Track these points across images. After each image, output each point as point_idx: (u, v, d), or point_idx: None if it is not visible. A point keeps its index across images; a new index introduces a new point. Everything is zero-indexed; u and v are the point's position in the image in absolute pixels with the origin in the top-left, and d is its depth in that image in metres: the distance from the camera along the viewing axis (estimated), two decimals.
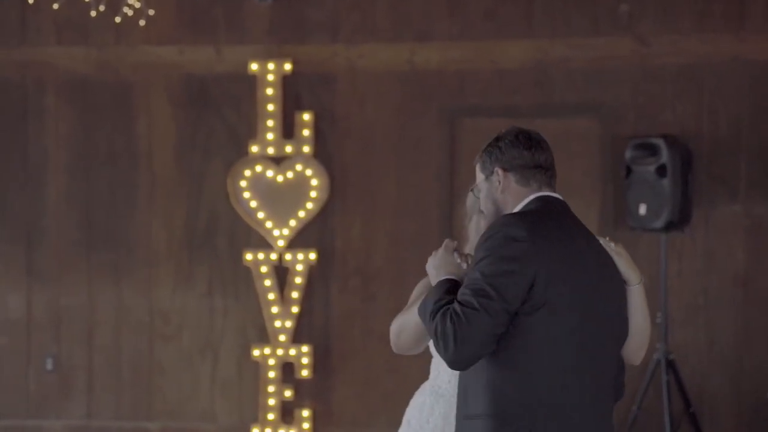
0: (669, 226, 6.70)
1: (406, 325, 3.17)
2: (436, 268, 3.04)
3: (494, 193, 3.05)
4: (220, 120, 7.40)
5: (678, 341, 6.91)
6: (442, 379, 3.30)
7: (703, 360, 7.01)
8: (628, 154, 6.79)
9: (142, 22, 6.91)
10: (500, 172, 3.03)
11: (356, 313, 7.33)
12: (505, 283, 2.82)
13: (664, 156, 6.69)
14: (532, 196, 3.02)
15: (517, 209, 3.01)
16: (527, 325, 2.83)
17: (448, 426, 3.23)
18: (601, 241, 3.09)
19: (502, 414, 2.84)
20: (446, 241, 3.12)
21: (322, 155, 7.29)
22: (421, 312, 2.96)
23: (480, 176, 3.11)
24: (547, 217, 2.96)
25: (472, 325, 2.79)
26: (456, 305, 2.84)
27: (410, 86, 7.23)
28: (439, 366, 3.30)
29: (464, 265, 3.03)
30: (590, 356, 2.91)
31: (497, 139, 3.08)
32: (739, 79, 6.94)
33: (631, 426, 6.61)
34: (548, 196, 3.03)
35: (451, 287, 2.94)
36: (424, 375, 3.60)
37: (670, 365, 6.68)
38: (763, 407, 6.89)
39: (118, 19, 6.66)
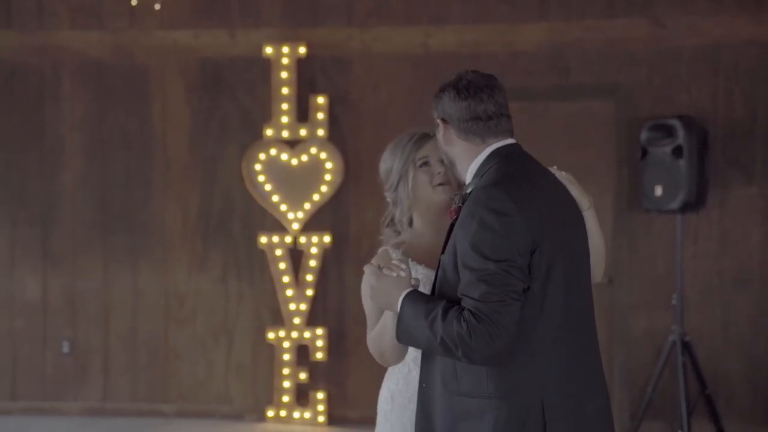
0: (685, 208, 6.68)
1: (382, 346, 2.99)
2: (383, 295, 2.83)
3: (443, 145, 2.90)
4: (234, 104, 7.41)
5: (693, 323, 6.89)
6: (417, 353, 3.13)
7: (718, 342, 6.99)
8: (644, 135, 6.77)
9: (157, 6, 6.94)
10: (440, 123, 2.89)
11: None
12: (513, 263, 2.67)
13: (681, 137, 6.66)
14: (484, 153, 2.84)
15: (474, 162, 2.84)
16: (528, 297, 2.72)
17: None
18: (553, 171, 2.95)
19: (508, 396, 2.75)
20: (368, 268, 2.90)
21: (336, 138, 7.30)
22: (406, 333, 2.77)
23: (433, 126, 2.99)
24: (517, 175, 2.78)
25: (502, 315, 2.64)
26: (474, 303, 2.66)
27: (424, 69, 7.23)
28: None
29: (402, 272, 2.82)
30: (580, 301, 2.83)
31: (440, 89, 2.91)
32: (755, 61, 6.91)
33: (646, 408, 6.60)
34: (501, 148, 2.83)
35: (423, 298, 2.77)
36: None
37: (686, 347, 6.66)
38: None
39: (134, 2, 6.68)
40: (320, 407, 7.26)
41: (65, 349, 7.55)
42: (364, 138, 7.31)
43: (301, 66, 7.28)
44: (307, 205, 7.31)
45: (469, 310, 2.66)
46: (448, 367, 2.82)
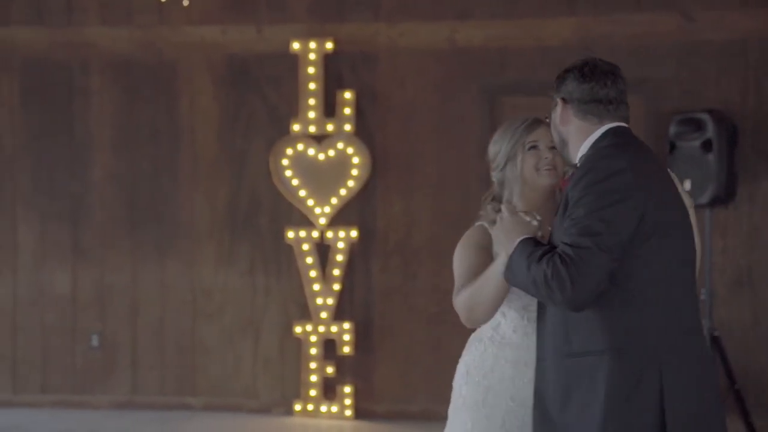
0: (714, 202, 6.65)
1: (479, 297, 3.14)
2: (507, 232, 2.98)
3: (559, 125, 3.04)
4: (261, 99, 7.44)
5: (722, 318, 6.86)
6: (505, 329, 3.23)
7: (747, 337, 6.96)
8: (672, 129, 6.74)
9: (185, 2, 6.97)
10: (560, 103, 3.03)
11: (397, 290, 7.35)
12: (614, 215, 2.78)
13: (710, 131, 6.63)
14: (599, 131, 2.97)
15: (587, 142, 2.98)
16: (641, 255, 2.80)
17: (518, 374, 3.20)
18: None
19: (623, 349, 2.80)
20: (506, 206, 3.09)
21: (363, 133, 7.31)
22: (511, 271, 2.92)
23: (551, 108, 3.11)
24: (631, 146, 2.93)
25: (587, 263, 2.74)
26: (564, 248, 2.78)
27: (451, 64, 7.23)
28: (500, 317, 3.25)
29: (534, 222, 3.02)
30: (692, 277, 2.94)
31: (564, 71, 3.07)
32: None
33: None
34: (617, 127, 2.97)
35: (535, 243, 2.91)
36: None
37: (715, 342, 6.63)
38: None
39: None
40: (347, 401, 7.28)
41: (94, 342, 7.61)
42: (391, 133, 7.33)
43: (328, 61, 7.31)
44: (333, 200, 7.34)
45: (558, 253, 2.80)
46: (559, 331, 2.90)
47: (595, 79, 2.99)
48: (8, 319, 7.65)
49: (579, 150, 2.99)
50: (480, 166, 7.17)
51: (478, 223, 3.29)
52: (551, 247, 2.87)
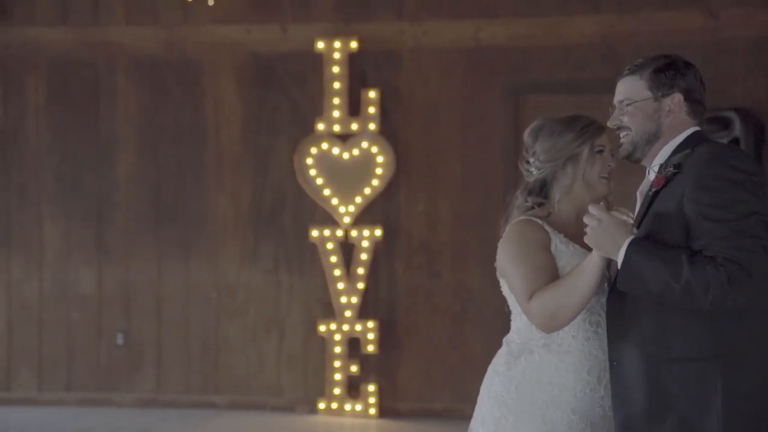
0: None
1: (566, 301, 2.94)
2: (609, 233, 2.80)
3: (662, 117, 2.91)
4: (285, 98, 7.47)
5: None
6: (564, 335, 3.06)
7: None
8: None
9: (210, 2, 7.00)
10: (679, 98, 2.92)
11: (421, 288, 7.35)
12: (762, 215, 2.71)
13: (737, 129, 6.61)
14: (690, 130, 2.93)
15: (677, 138, 2.91)
16: None
17: (579, 383, 3.05)
18: None
19: (733, 355, 2.71)
20: (597, 206, 2.89)
21: (387, 132, 7.32)
22: (634, 275, 2.74)
23: (642, 93, 2.93)
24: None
25: (755, 264, 2.65)
26: (724, 251, 2.66)
27: (475, 63, 7.23)
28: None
29: (630, 220, 2.85)
30: None
31: (673, 62, 2.95)
32: None
33: None
34: (702, 132, 2.95)
35: (653, 242, 2.76)
36: (488, 350, 3.47)
37: None
38: None
39: None
40: (371, 399, 7.29)
41: (119, 341, 7.65)
42: (415, 132, 7.33)
43: (352, 60, 7.32)
44: (358, 199, 7.35)
45: (724, 257, 2.66)
46: (652, 334, 2.78)
47: (702, 80, 2.99)
48: (34, 317, 7.71)
49: (669, 144, 2.92)
50: (504, 164, 7.22)
51: (524, 218, 3.14)
52: (684, 249, 2.73)
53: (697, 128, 2.93)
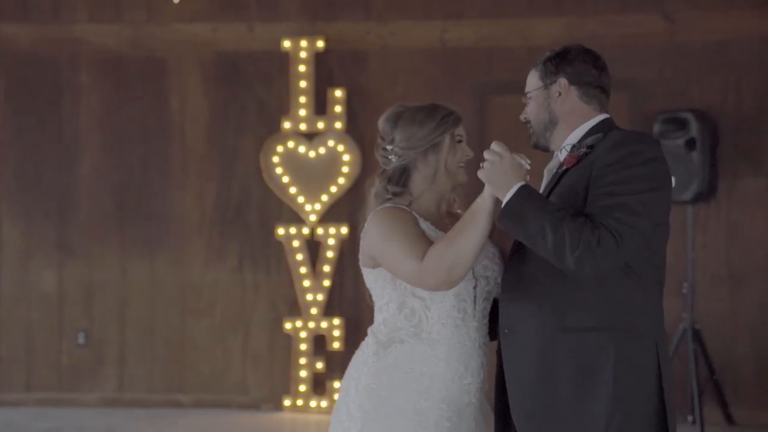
0: (697, 199, 6.85)
1: (463, 247, 2.90)
2: (504, 172, 2.85)
3: (552, 103, 2.99)
4: (251, 96, 7.50)
5: (702, 311, 7.05)
6: (433, 324, 3.04)
7: (726, 329, 7.16)
8: (657, 128, 6.93)
9: (175, 0, 7.00)
10: (564, 83, 2.99)
11: None
12: (652, 201, 2.81)
13: (694, 129, 6.84)
14: (599, 117, 2.98)
15: (585, 124, 2.96)
16: (655, 241, 2.86)
17: (449, 371, 3.05)
18: None
19: (629, 328, 2.83)
20: (500, 143, 2.90)
21: (353, 131, 7.40)
22: (516, 215, 2.80)
23: (535, 83, 3.04)
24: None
25: (620, 240, 2.74)
26: (606, 219, 2.75)
27: (441, 63, 7.36)
28: (422, 312, 3.05)
29: (528, 166, 2.89)
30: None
31: (565, 50, 3.03)
32: (764, 56, 7.10)
33: None
34: (611, 120, 2.99)
35: (539, 195, 2.85)
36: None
37: (696, 335, 6.82)
38: None
39: None
40: (337, 396, 7.33)
41: (81, 340, 7.58)
42: None
43: (318, 59, 7.39)
44: (324, 197, 7.41)
45: (603, 224, 2.75)
46: (548, 303, 2.85)
47: (602, 66, 3.01)
48: None
49: (570, 132, 2.97)
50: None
51: (389, 205, 3.11)
52: (570, 207, 2.82)
53: (607, 115, 2.99)
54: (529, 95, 3.06)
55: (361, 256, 3.20)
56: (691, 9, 7.17)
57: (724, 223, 7.19)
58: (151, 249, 7.55)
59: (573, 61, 3.00)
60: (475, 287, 3.08)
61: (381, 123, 3.24)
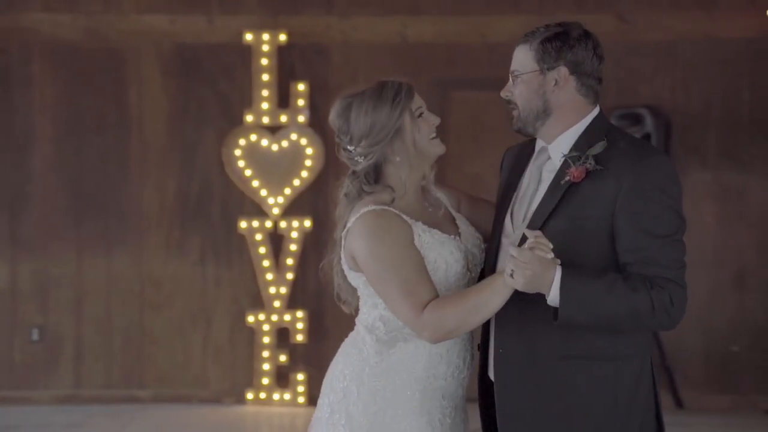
0: None
1: (468, 322, 2.80)
2: (540, 278, 2.66)
3: (547, 92, 2.77)
4: (212, 89, 7.46)
5: None
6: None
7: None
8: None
9: None
10: (564, 72, 2.77)
11: None
12: (685, 228, 2.76)
13: (649, 125, 7.13)
14: (594, 113, 2.80)
15: (580, 124, 2.78)
16: None
17: (450, 369, 3.00)
18: None
19: (623, 355, 2.76)
20: (516, 250, 2.69)
21: (316, 125, 7.44)
22: (577, 312, 2.65)
23: (529, 65, 2.79)
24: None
25: (685, 282, 2.70)
26: (666, 270, 2.64)
27: (402, 59, 7.45)
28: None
29: (551, 255, 2.68)
30: None
31: (566, 32, 2.78)
32: (711, 56, 7.43)
33: None
34: (604, 115, 2.84)
35: (582, 270, 2.68)
36: None
37: None
38: (730, 359, 7.43)
39: None
40: (300, 388, 7.39)
41: (35, 336, 7.42)
42: None
43: (281, 53, 7.39)
44: (287, 191, 7.43)
45: (666, 278, 2.63)
46: (550, 332, 2.72)
47: (601, 55, 2.81)
48: None
49: (567, 128, 2.77)
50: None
51: (375, 208, 2.90)
52: (618, 275, 2.68)
53: (599, 109, 2.80)
54: (517, 74, 2.81)
55: (343, 255, 3.02)
56: (643, 9, 7.45)
57: None
58: (108, 243, 7.43)
59: (574, 47, 2.77)
60: (466, 284, 3.01)
61: (332, 120, 3.02)
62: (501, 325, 2.83)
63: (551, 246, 2.65)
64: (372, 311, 3.04)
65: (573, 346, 2.73)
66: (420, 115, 2.98)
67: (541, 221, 2.75)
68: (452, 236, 2.98)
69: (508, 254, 2.69)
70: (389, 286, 2.84)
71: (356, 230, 2.92)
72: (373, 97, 2.97)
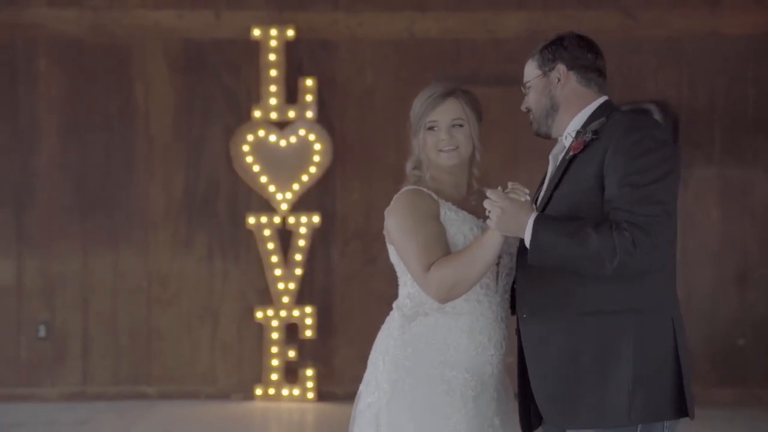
0: None
1: (468, 274, 3.00)
2: (513, 216, 2.90)
3: (552, 90, 3.04)
4: (219, 85, 7.45)
5: None
6: (457, 299, 3.10)
7: (681, 311, 7.53)
8: None
9: None
10: (563, 69, 3.03)
11: (357, 274, 7.52)
12: (673, 184, 2.89)
13: (657, 120, 7.18)
14: (600, 100, 3.03)
15: (587, 108, 3.02)
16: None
17: (473, 343, 3.12)
18: None
19: (645, 309, 2.89)
20: (495, 192, 2.92)
21: (323, 120, 7.45)
22: (544, 251, 2.84)
23: (533, 72, 3.08)
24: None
25: (663, 229, 2.81)
26: (633, 216, 2.80)
27: (409, 54, 7.48)
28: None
29: (527, 198, 2.92)
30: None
31: (560, 38, 3.08)
32: (715, 52, 7.50)
33: None
34: (611, 102, 3.04)
35: (555, 217, 2.89)
36: None
37: None
38: (733, 353, 7.51)
39: None
40: (309, 384, 7.39)
41: (41, 333, 7.39)
42: (351, 120, 7.50)
43: (289, 48, 7.40)
44: (295, 186, 7.43)
45: (631, 222, 2.80)
46: (562, 289, 2.91)
47: (596, 50, 3.07)
48: None
49: (574, 116, 3.02)
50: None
51: (412, 187, 3.16)
52: (589, 219, 2.84)
53: (606, 97, 3.04)
54: (528, 84, 3.10)
55: (385, 231, 3.24)
56: (648, 6, 7.51)
57: (679, 211, 7.51)
58: (114, 239, 7.41)
59: (569, 48, 3.05)
60: (498, 264, 3.13)
61: None
62: (521, 293, 3.04)
63: (527, 191, 2.94)
64: (402, 289, 3.23)
65: (590, 302, 2.91)
66: (430, 129, 3.18)
67: (550, 192, 3.03)
68: (480, 219, 3.14)
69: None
70: (408, 250, 3.08)
71: (391, 206, 3.18)
72: (422, 91, 3.23)
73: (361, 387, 3.23)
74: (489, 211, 2.93)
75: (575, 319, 2.91)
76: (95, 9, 7.37)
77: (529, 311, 3.00)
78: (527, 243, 2.89)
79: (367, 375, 3.21)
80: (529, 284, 3.01)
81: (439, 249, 3.06)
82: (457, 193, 3.19)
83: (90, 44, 7.38)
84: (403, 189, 3.19)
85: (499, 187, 2.96)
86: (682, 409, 2.93)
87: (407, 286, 3.20)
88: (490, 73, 7.47)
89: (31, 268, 7.37)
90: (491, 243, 2.98)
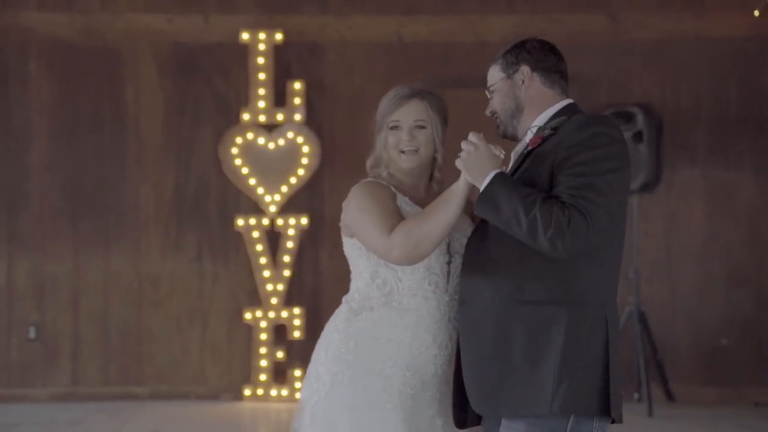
0: (644, 189, 7.26)
1: (431, 228, 2.98)
2: (481, 161, 2.95)
3: (517, 91, 3.09)
4: (208, 88, 7.52)
5: (645, 294, 7.49)
6: (403, 294, 3.10)
7: (667, 311, 7.63)
8: None
9: None
10: (526, 70, 3.09)
11: (345, 276, 7.44)
12: (614, 180, 2.92)
13: (641, 123, 7.24)
14: (564, 102, 3.08)
15: (550, 109, 3.07)
16: (613, 219, 2.94)
17: (416, 341, 3.12)
18: None
19: (581, 301, 2.92)
20: (475, 134, 2.98)
21: (312, 123, 7.51)
22: (491, 202, 2.90)
23: (498, 76, 3.13)
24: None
25: (594, 218, 2.85)
26: (569, 198, 2.87)
27: (397, 58, 7.55)
28: (394, 282, 3.12)
29: (502, 156, 2.97)
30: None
31: (523, 42, 3.13)
32: (700, 55, 7.58)
33: None
34: (575, 105, 3.09)
35: (514, 182, 2.94)
36: None
37: (642, 317, 7.24)
38: (718, 352, 7.58)
39: None
40: (297, 384, 7.45)
41: (32, 334, 7.44)
42: (339, 123, 7.57)
43: (277, 52, 7.46)
44: (284, 188, 7.50)
45: (572, 205, 2.87)
46: (508, 277, 2.95)
47: (558, 54, 3.13)
48: None
49: (537, 117, 3.07)
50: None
51: (369, 179, 3.19)
52: (541, 191, 2.92)
53: (571, 100, 3.09)
54: (492, 88, 3.16)
55: (341, 224, 3.25)
56: (632, 9, 7.58)
57: (664, 212, 7.65)
58: (105, 241, 7.47)
59: (531, 50, 3.11)
60: (449, 263, 3.13)
61: None
62: (461, 282, 3.08)
63: (503, 152, 2.99)
64: (353, 283, 3.25)
65: (526, 291, 2.94)
66: (392, 128, 3.19)
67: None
68: None
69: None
70: (367, 222, 3.07)
71: (349, 196, 3.18)
72: (391, 90, 3.24)
73: (303, 379, 3.25)
74: (462, 150, 2.96)
75: (509, 307, 2.94)
76: (86, 13, 7.43)
77: (466, 299, 3.03)
78: (481, 188, 2.95)
79: (310, 367, 3.20)
80: (469, 272, 3.04)
81: (398, 220, 3.04)
82: (415, 194, 3.20)
83: (81, 48, 7.45)
84: (361, 181, 3.21)
85: (481, 134, 2.99)
86: (606, 408, 2.92)
87: (356, 280, 3.23)
88: (478, 75, 7.46)
89: (22, 270, 7.43)
90: (456, 193, 2.97)
